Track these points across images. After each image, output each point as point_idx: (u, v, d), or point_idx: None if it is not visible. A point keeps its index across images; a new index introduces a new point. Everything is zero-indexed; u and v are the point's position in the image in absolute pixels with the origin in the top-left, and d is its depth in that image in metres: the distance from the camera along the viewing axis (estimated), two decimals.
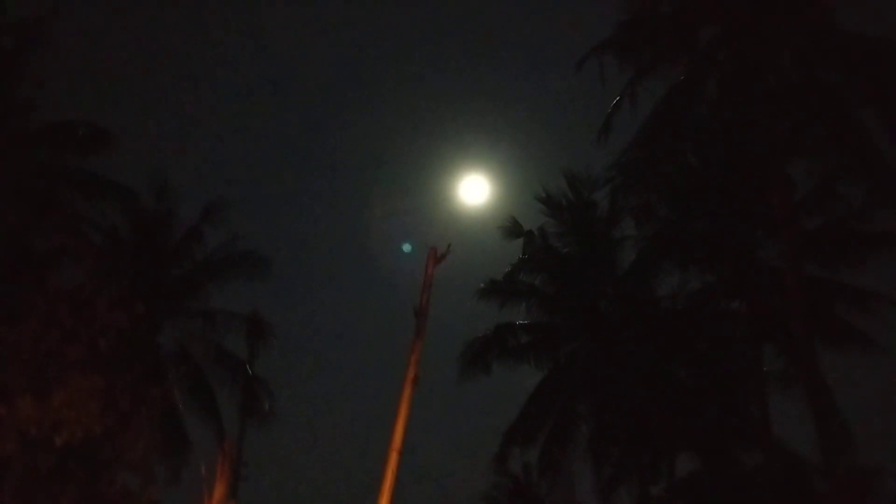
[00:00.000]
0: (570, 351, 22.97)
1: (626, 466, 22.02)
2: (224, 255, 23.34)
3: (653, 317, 22.17)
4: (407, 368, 11.14)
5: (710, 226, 21.03)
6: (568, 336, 23.07)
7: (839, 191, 20.50)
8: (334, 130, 61.26)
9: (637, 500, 21.68)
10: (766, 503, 20.08)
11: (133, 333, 13.92)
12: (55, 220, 17.60)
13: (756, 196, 19.56)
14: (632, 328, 22.07)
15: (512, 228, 23.11)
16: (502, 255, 23.60)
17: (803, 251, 18.81)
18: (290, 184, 60.97)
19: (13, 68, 17.22)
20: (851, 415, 20.33)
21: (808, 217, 20.80)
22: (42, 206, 17.06)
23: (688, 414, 21.28)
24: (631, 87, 19.45)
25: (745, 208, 20.46)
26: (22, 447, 11.95)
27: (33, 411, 11.94)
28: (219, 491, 10.92)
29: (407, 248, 11.95)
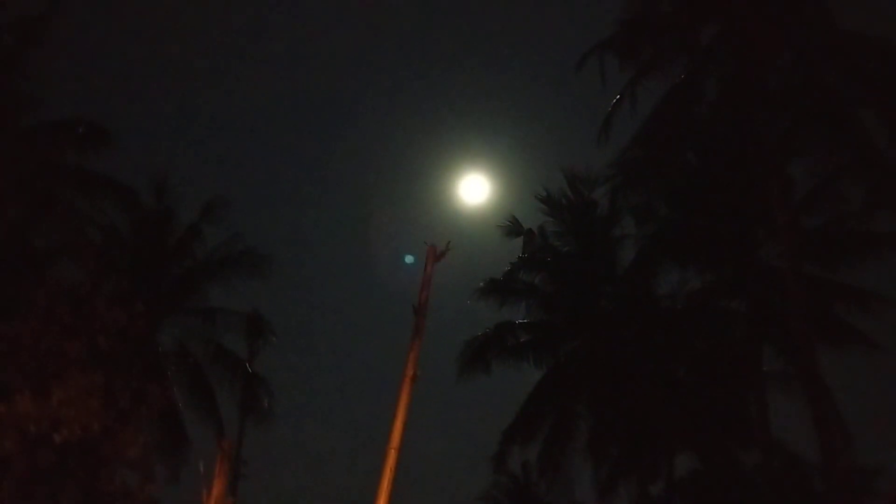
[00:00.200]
0: (570, 350, 22.96)
1: (626, 465, 22.00)
2: (224, 254, 23.32)
3: (652, 316, 22.17)
4: (406, 366, 11.14)
5: (710, 225, 21.02)
6: (567, 335, 23.06)
7: (839, 191, 20.50)
8: (334, 130, 61.27)
9: (636, 499, 21.68)
10: (764, 502, 20.09)
11: (132, 331, 13.93)
12: (55, 218, 17.64)
13: (756, 196, 19.55)
14: (631, 327, 22.06)
15: (512, 227, 23.12)
16: (502, 254, 23.64)
17: (803, 251, 18.82)
18: (289, 183, 60.98)
19: (14, 66, 17.24)
20: (851, 415, 20.35)
21: (808, 217, 20.81)
22: (42, 203, 17.09)
23: (687, 413, 21.29)
24: (631, 86, 19.50)
25: (745, 208, 20.46)
26: (21, 444, 11.95)
27: (33, 409, 11.97)
28: (217, 489, 10.92)
29: (409, 259, 11.92)
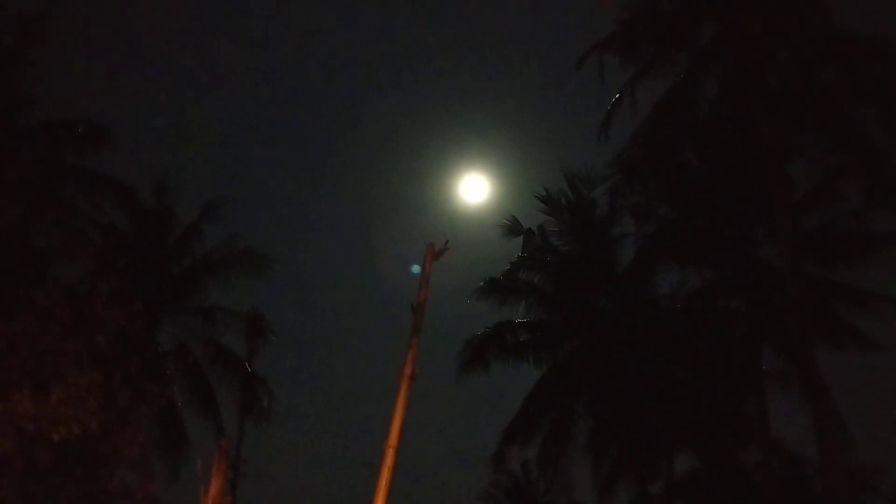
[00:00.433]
0: (569, 349, 22.96)
1: (625, 465, 22.00)
2: (223, 253, 23.33)
3: (652, 315, 22.17)
4: (404, 365, 11.12)
5: (710, 225, 21.04)
6: (567, 334, 23.06)
7: (839, 190, 20.51)
8: (334, 129, 61.26)
9: (635, 499, 21.68)
10: (764, 501, 20.09)
11: (132, 330, 13.92)
12: (54, 217, 17.61)
13: (756, 195, 19.56)
14: (631, 326, 22.06)
15: (511, 227, 23.11)
16: (502, 254, 23.64)
17: (802, 250, 18.81)
18: (289, 182, 61.02)
19: (13, 64, 17.23)
20: (851, 414, 20.37)
21: (808, 216, 20.82)
22: (41, 203, 17.08)
23: (686, 412, 21.28)
24: (631, 85, 19.49)
25: (744, 207, 20.46)
26: (20, 443, 11.94)
27: (31, 407, 11.93)
28: (215, 487, 10.90)
29: (416, 269, 11.86)
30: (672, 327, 22.02)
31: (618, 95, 19.60)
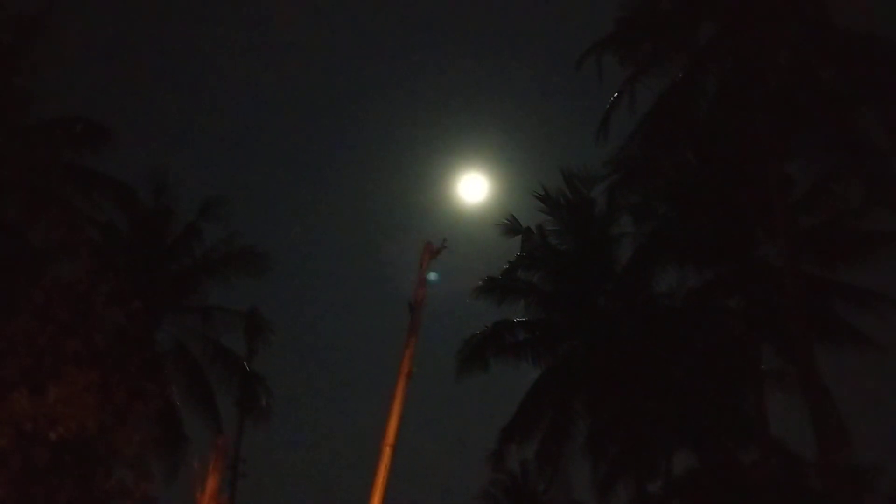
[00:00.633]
0: (568, 348, 22.97)
1: (624, 464, 22.01)
2: (222, 252, 23.33)
3: (651, 314, 22.18)
4: (401, 362, 11.13)
5: (709, 224, 21.03)
6: (566, 333, 23.06)
7: (838, 190, 20.49)
8: (333, 128, 61.26)
9: (634, 498, 21.69)
10: (763, 501, 20.08)
11: (130, 329, 13.90)
12: (53, 215, 17.58)
13: (755, 194, 19.55)
14: (629, 325, 22.07)
15: (510, 226, 23.14)
16: (501, 253, 23.65)
17: (801, 250, 18.81)
18: (288, 182, 60.98)
19: (11, 62, 17.21)
20: (850, 414, 20.36)
21: (807, 216, 20.81)
22: (39, 201, 17.06)
23: (685, 411, 21.29)
24: (629, 84, 19.48)
25: (743, 207, 20.46)
26: (17, 442, 11.93)
27: (29, 406, 11.92)
28: (211, 485, 10.91)
29: (433, 276, 11.88)
30: (671, 326, 22.03)
31: (616, 95, 19.61)
